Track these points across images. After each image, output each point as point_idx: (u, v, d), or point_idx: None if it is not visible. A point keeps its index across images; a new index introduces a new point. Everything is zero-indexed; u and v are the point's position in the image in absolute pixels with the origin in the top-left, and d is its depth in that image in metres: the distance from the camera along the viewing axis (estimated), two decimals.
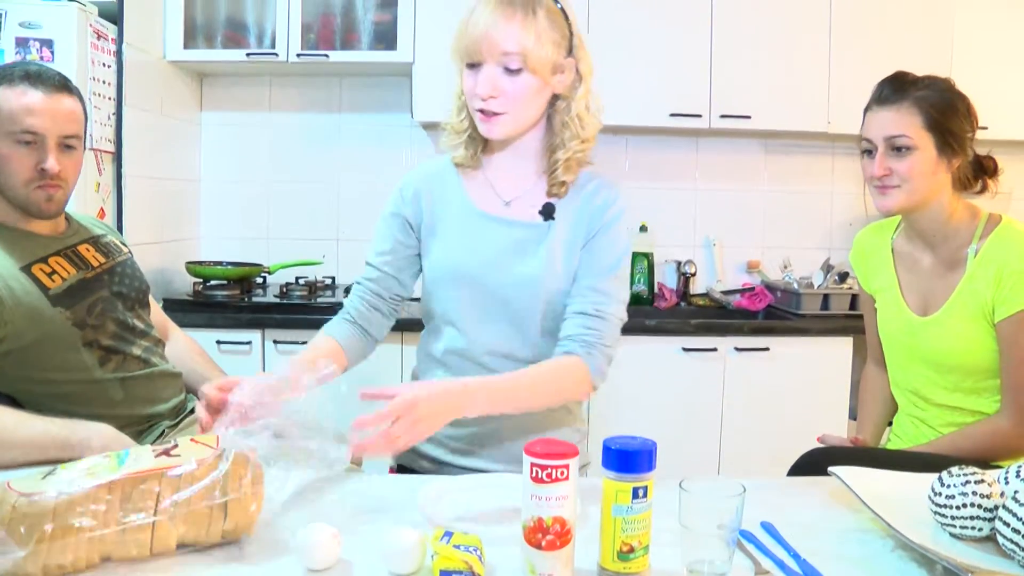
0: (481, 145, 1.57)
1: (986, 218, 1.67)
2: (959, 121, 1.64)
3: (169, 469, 1.07)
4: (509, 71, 1.40)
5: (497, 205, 1.54)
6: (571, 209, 1.52)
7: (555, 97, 1.50)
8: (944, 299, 1.68)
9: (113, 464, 1.07)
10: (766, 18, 3.24)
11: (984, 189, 1.72)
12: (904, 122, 1.63)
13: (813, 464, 1.58)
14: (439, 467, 1.59)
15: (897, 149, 1.64)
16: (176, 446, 1.13)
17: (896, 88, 1.66)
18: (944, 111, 1.63)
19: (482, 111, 1.44)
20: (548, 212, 1.51)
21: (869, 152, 1.70)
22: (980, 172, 1.71)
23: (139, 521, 1.03)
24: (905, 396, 1.81)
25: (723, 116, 3.25)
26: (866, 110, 1.72)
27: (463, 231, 1.54)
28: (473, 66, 1.43)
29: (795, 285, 3.38)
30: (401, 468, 1.67)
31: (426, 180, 1.60)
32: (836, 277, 3.38)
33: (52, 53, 2.49)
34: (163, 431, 1.74)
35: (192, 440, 1.15)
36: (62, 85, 1.66)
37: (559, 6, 1.45)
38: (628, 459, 1.02)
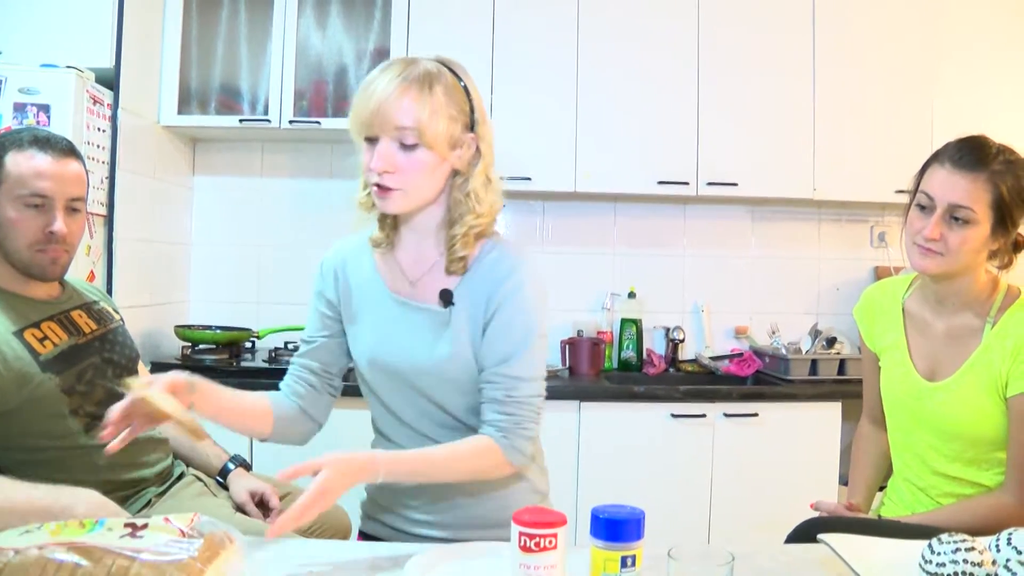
0: (392, 223, 1.55)
1: (1005, 290, 1.66)
2: (1022, 206, 1.60)
3: (128, 550, 1.03)
4: (405, 146, 1.39)
5: (404, 285, 1.52)
6: (470, 288, 1.48)
7: (455, 172, 1.47)
8: (955, 366, 1.66)
9: (79, 530, 1.04)
10: (752, 87, 3.31)
11: (1010, 264, 1.67)
12: (975, 196, 1.56)
13: (810, 532, 1.53)
14: (400, 535, 1.57)
15: (956, 218, 1.58)
16: (145, 527, 1.10)
17: (978, 158, 1.58)
18: (1014, 195, 1.57)
19: (377, 186, 1.41)
20: (447, 299, 1.48)
21: (923, 207, 1.63)
22: (1014, 248, 1.66)
23: None
24: (903, 459, 1.79)
25: (710, 183, 3.29)
26: (933, 161, 1.64)
27: (376, 316, 1.53)
28: (371, 140, 1.41)
29: (783, 350, 3.39)
30: (364, 536, 1.64)
31: (342, 260, 1.61)
32: (824, 342, 3.39)
33: (48, 118, 2.51)
34: (149, 499, 1.72)
35: (164, 520, 1.12)
36: (69, 150, 1.71)
37: (462, 84, 1.45)
38: (616, 528, 1.01)
